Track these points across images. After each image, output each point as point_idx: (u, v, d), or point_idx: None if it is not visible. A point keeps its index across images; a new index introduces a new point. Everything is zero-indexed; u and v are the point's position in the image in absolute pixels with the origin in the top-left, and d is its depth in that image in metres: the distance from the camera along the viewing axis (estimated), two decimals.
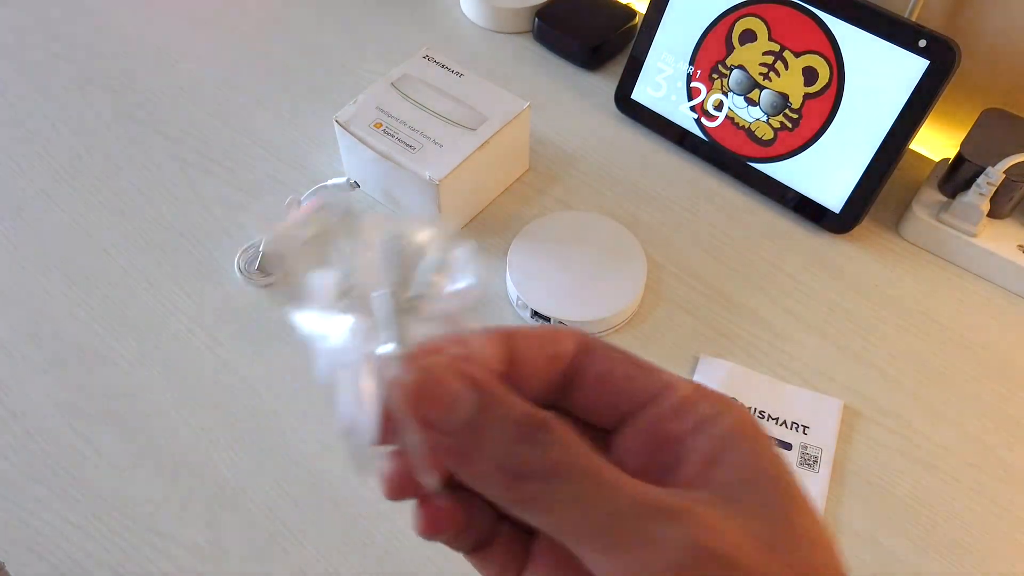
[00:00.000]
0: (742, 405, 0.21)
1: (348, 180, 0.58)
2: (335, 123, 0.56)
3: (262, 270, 0.55)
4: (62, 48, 0.71)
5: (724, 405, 0.21)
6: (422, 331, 0.20)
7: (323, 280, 0.21)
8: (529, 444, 0.19)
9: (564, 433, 0.19)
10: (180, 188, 0.61)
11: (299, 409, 0.50)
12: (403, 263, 0.21)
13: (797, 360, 0.52)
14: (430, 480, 0.20)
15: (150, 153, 0.63)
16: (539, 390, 0.22)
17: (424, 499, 0.21)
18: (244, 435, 0.49)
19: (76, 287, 0.55)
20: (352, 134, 0.55)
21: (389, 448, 0.20)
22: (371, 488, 0.47)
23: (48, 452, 0.48)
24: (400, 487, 0.21)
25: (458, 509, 0.21)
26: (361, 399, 0.19)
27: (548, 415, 0.19)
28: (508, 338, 0.21)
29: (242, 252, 0.56)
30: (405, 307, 0.20)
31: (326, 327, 0.20)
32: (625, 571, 0.18)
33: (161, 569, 0.44)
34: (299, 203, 0.58)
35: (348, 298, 0.20)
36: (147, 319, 0.54)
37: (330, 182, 0.58)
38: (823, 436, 0.49)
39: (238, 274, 0.55)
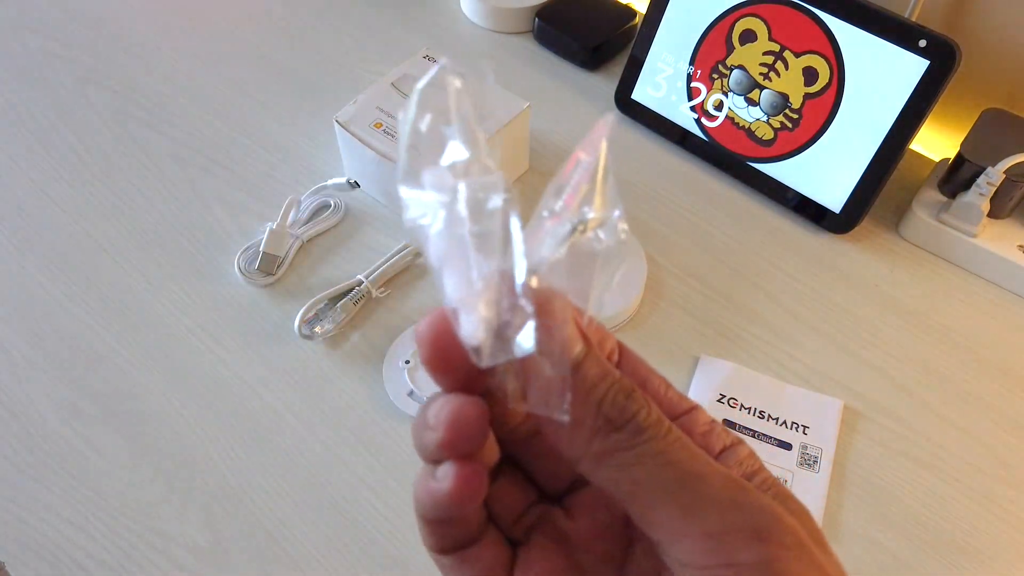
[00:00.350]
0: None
1: (348, 180, 0.58)
2: (335, 123, 0.56)
3: (262, 270, 0.55)
4: (61, 47, 0.71)
5: (738, 438, 0.23)
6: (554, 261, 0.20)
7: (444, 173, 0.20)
8: (623, 402, 0.20)
9: (650, 400, 0.20)
10: (179, 187, 0.61)
11: (299, 409, 0.50)
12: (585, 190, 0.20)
13: (797, 360, 0.52)
14: (521, 407, 0.20)
15: (150, 152, 0.63)
16: None
17: (466, 460, 0.20)
18: (244, 435, 0.49)
19: (75, 286, 0.55)
20: (352, 134, 0.55)
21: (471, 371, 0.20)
22: (369, 489, 0.47)
23: (47, 452, 0.48)
24: (469, 431, 0.20)
25: (487, 483, 0.21)
26: (487, 308, 0.19)
27: (634, 385, 0.20)
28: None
29: (242, 252, 0.56)
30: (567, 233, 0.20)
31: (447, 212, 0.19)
32: (704, 531, 0.18)
33: (161, 569, 0.44)
34: (298, 203, 0.58)
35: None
36: (146, 319, 0.54)
37: (330, 182, 0.58)
38: (823, 436, 0.49)
39: (238, 274, 0.55)
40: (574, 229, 0.20)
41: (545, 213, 0.20)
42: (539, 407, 0.19)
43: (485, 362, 0.19)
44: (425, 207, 0.20)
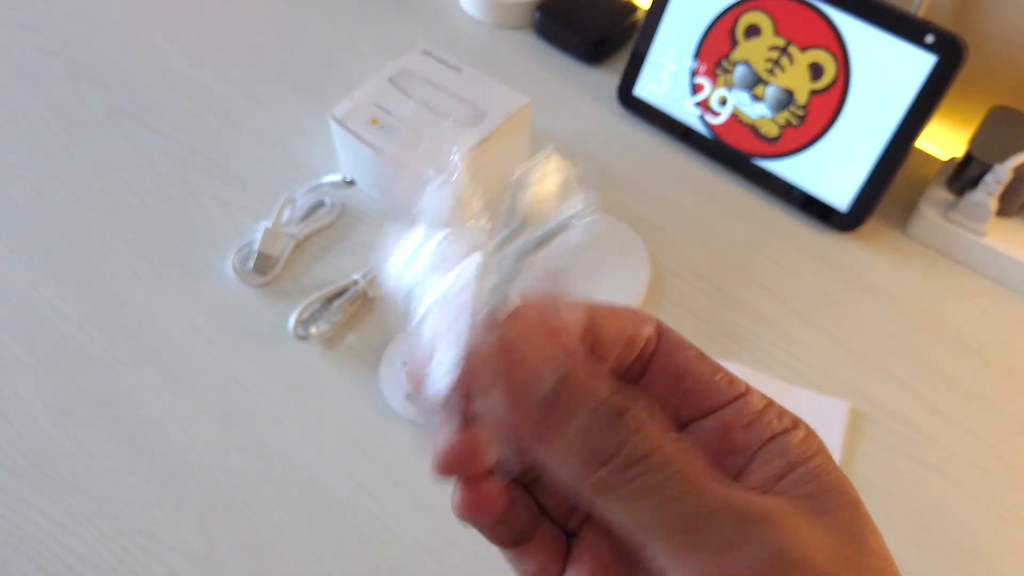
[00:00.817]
0: (807, 425, 0.21)
1: (344, 177, 0.57)
2: (331, 119, 0.55)
3: (257, 269, 0.54)
4: (53, 44, 0.70)
5: (793, 422, 0.21)
6: (526, 282, 0.19)
7: (436, 202, 0.19)
8: (610, 429, 0.18)
9: (646, 422, 0.18)
10: (173, 185, 0.60)
11: (294, 411, 0.49)
12: (534, 206, 0.20)
13: (802, 361, 0.52)
14: (499, 449, 0.19)
15: (142, 150, 0.62)
16: (612, 371, 0.21)
17: (470, 480, 0.20)
18: (238, 437, 0.48)
19: (67, 286, 0.54)
20: (349, 130, 0.54)
21: (450, 415, 0.19)
22: (366, 493, 0.46)
23: (39, 454, 0.47)
24: (454, 461, 0.19)
25: (501, 496, 0.20)
26: (450, 344, 0.18)
27: (630, 401, 0.18)
28: (590, 312, 0.21)
29: (236, 251, 0.55)
30: (521, 253, 0.19)
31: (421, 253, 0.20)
32: (703, 572, 0.17)
33: (154, 573, 0.43)
34: (294, 201, 0.57)
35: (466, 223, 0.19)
36: (139, 319, 0.53)
37: (325, 179, 0.57)
38: (829, 439, 0.48)
39: (232, 273, 0.54)
40: (541, 241, 0.19)
41: (499, 239, 0.20)
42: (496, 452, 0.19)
43: (420, 433, 0.19)
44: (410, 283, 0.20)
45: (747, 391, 0.21)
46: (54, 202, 0.59)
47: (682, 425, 0.22)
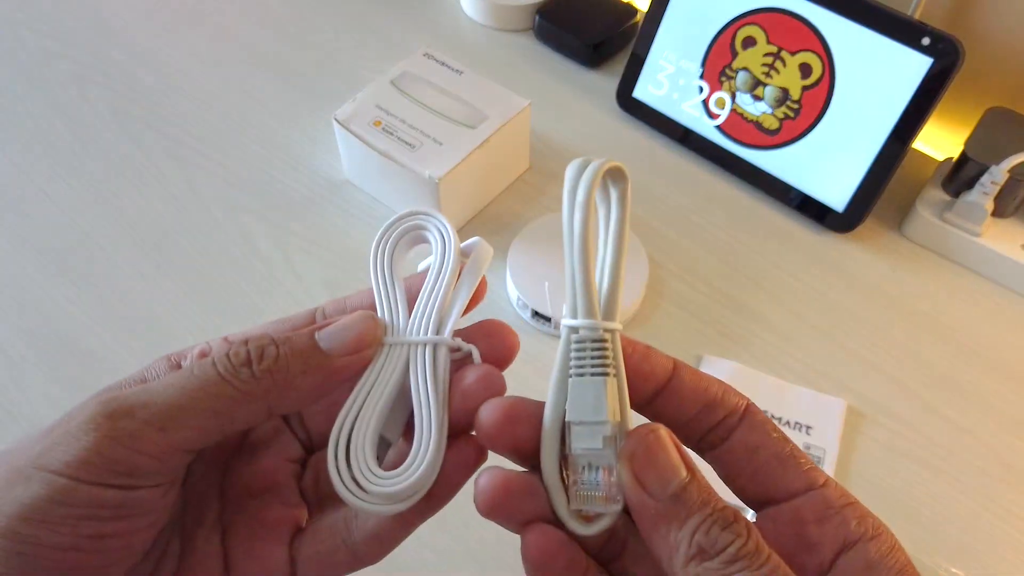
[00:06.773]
0: (890, 531, 0.21)
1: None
2: (334, 121, 0.56)
3: None
4: (60, 45, 0.70)
5: (876, 527, 0.21)
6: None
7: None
8: (726, 530, 0.20)
9: (754, 530, 0.20)
10: (177, 186, 0.60)
11: None
12: None
13: (800, 360, 0.52)
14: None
15: (148, 151, 0.63)
16: (690, 430, 0.24)
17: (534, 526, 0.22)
18: None
19: (73, 286, 0.55)
20: (351, 132, 0.55)
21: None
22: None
23: None
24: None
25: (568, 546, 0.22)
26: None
27: (739, 513, 0.20)
28: (676, 365, 0.24)
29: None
30: None
31: None
32: None
33: None
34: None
35: None
36: (145, 319, 0.53)
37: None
38: (826, 437, 0.48)
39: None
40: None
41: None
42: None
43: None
44: None
45: (826, 483, 0.22)
46: (60, 203, 0.59)
47: (756, 505, 0.23)
